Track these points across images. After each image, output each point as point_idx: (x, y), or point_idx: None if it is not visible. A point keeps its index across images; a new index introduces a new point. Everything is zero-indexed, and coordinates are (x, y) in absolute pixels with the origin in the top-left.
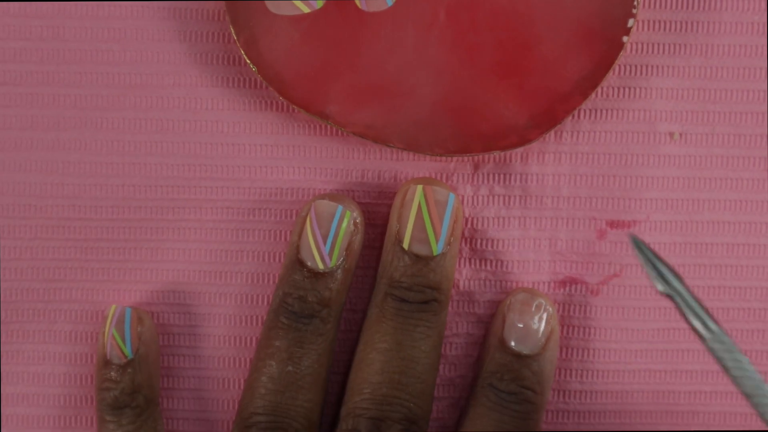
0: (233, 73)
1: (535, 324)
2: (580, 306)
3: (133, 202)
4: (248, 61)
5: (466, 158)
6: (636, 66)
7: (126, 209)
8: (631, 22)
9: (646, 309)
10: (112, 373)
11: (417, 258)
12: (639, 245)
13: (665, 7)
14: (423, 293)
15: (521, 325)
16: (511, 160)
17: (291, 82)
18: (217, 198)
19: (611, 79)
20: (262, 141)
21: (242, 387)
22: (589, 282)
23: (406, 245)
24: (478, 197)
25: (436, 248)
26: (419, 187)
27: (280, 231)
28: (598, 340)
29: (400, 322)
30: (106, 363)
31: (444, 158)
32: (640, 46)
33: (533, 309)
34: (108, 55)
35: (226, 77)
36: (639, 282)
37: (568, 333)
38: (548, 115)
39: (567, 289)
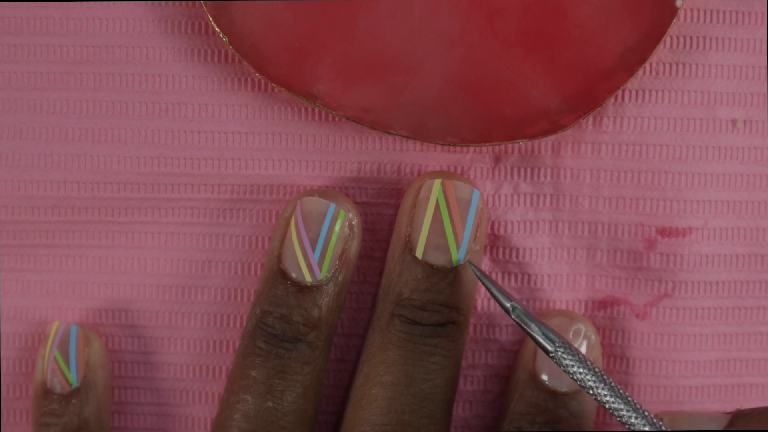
0: (199, 43)
1: None
2: (624, 332)
3: (77, 202)
4: (217, 30)
5: (485, 148)
6: (692, 38)
7: (69, 210)
8: None
9: (702, 336)
10: (54, 405)
11: (432, 270)
12: (477, 270)
13: None
14: (439, 313)
15: None
16: (540, 151)
17: (270, 55)
18: (179, 197)
19: (662, 53)
20: (234, 127)
21: (210, 427)
22: (634, 303)
23: (419, 254)
24: (500, 196)
25: (457, 257)
26: (437, 182)
27: (258, 236)
28: (644, 374)
29: (410, 350)
30: (46, 392)
31: (458, 148)
32: (696, 13)
33: (571, 336)
34: (46, 23)
35: (190, 49)
36: (694, 304)
37: (608, 365)
38: (586, 96)
39: (608, 311)
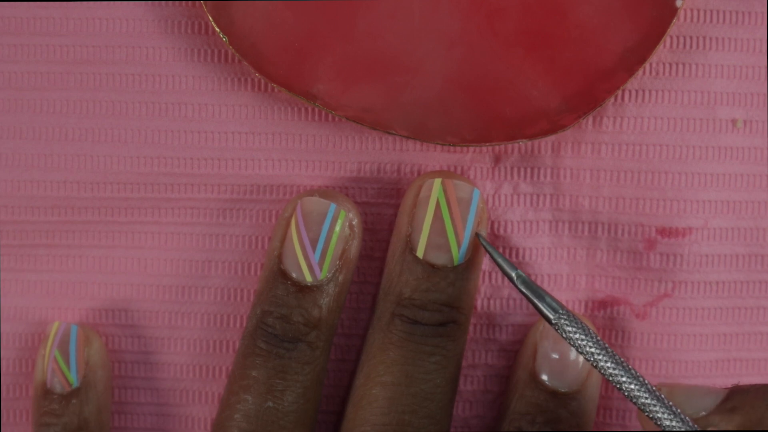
0: (199, 43)
1: (573, 354)
2: (624, 332)
3: (76, 202)
4: (217, 30)
5: (485, 148)
6: (692, 38)
7: (68, 210)
8: None
9: (702, 336)
10: (54, 405)
11: (433, 269)
12: (483, 240)
13: None
14: (440, 312)
15: (556, 356)
16: (540, 151)
17: (270, 55)
18: (179, 197)
19: (662, 53)
20: (234, 127)
21: (210, 427)
22: (634, 303)
23: (420, 253)
24: (499, 196)
25: (458, 256)
26: (437, 181)
27: (258, 236)
28: (644, 374)
29: (410, 350)
30: (46, 392)
31: (458, 148)
32: (696, 13)
33: None
34: (46, 23)
35: (190, 49)
36: (694, 304)
37: None
38: (586, 96)
39: (608, 311)
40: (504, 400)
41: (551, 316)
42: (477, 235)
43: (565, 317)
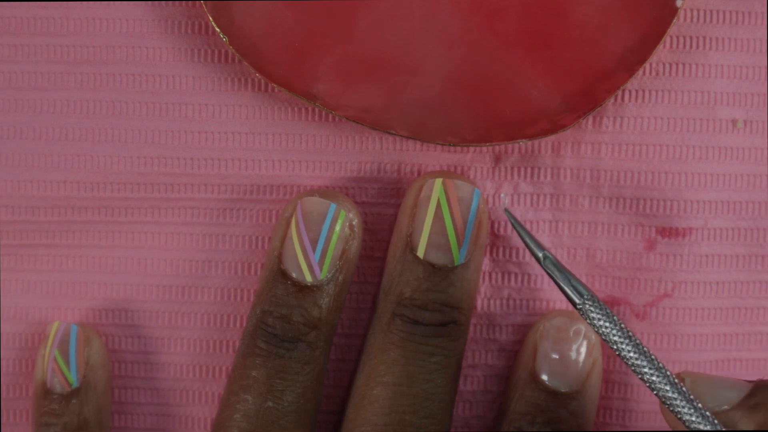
0: (199, 43)
1: (573, 354)
2: None
3: (77, 202)
4: (217, 30)
5: (485, 148)
6: (692, 38)
7: (69, 210)
8: None
9: (702, 336)
10: (54, 405)
11: (433, 269)
12: (512, 218)
13: None
14: (440, 313)
15: (557, 356)
16: (540, 151)
17: (270, 55)
18: (179, 197)
19: (662, 53)
20: (234, 128)
21: (210, 427)
22: (634, 303)
23: (420, 253)
24: (500, 196)
25: (458, 256)
26: (438, 181)
27: (258, 236)
28: None
29: (411, 350)
30: (46, 392)
31: (458, 148)
32: (696, 13)
33: (571, 336)
34: (46, 23)
35: (190, 49)
36: (694, 304)
37: (608, 365)
38: (586, 96)
39: None
40: (504, 400)
41: (576, 300)
42: (506, 212)
43: (590, 302)
